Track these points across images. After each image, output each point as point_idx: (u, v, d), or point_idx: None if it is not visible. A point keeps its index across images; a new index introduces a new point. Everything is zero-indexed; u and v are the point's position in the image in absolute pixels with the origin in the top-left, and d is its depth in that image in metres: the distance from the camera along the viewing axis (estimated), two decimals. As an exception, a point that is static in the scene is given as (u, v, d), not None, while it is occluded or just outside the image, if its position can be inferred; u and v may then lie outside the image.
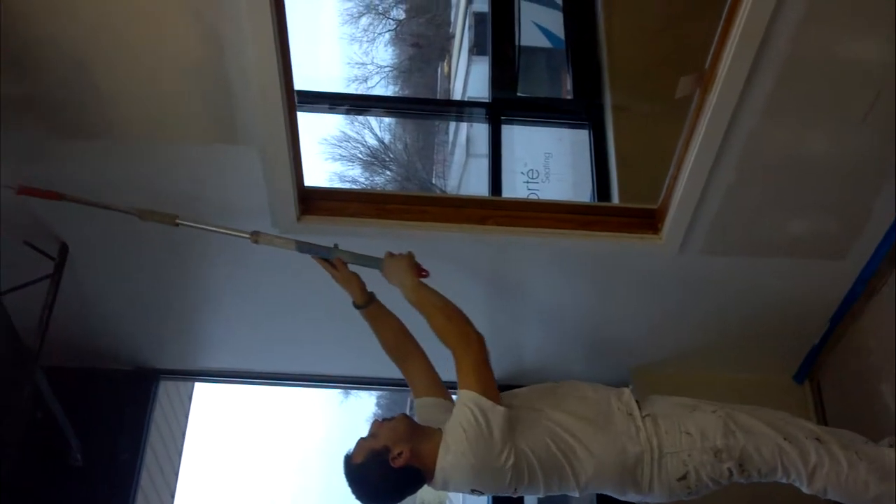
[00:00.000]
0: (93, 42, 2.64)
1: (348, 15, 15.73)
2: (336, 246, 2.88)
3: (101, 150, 2.94)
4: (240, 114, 2.82)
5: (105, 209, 2.84)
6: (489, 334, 2.64)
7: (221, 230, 2.90)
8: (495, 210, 3.31)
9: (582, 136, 4.68)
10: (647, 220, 3.28)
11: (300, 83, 2.90)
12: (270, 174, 3.00)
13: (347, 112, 7.70)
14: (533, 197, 6.66)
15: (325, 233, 3.07)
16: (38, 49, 2.63)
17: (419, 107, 7.59)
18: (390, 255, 2.83)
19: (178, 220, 2.85)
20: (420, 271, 2.80)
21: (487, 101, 4.92)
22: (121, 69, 2.72)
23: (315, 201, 3.20)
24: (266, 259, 3.08)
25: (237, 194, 3.07)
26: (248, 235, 2.88)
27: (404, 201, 3.32)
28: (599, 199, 4.17)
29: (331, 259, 2.88)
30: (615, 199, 4.09)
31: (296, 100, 2.89)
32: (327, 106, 5.17)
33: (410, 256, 2.82)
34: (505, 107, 4.63)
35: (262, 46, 2.61)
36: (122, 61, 2.70)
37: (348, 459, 2.56)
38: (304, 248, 2.88)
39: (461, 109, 9.60)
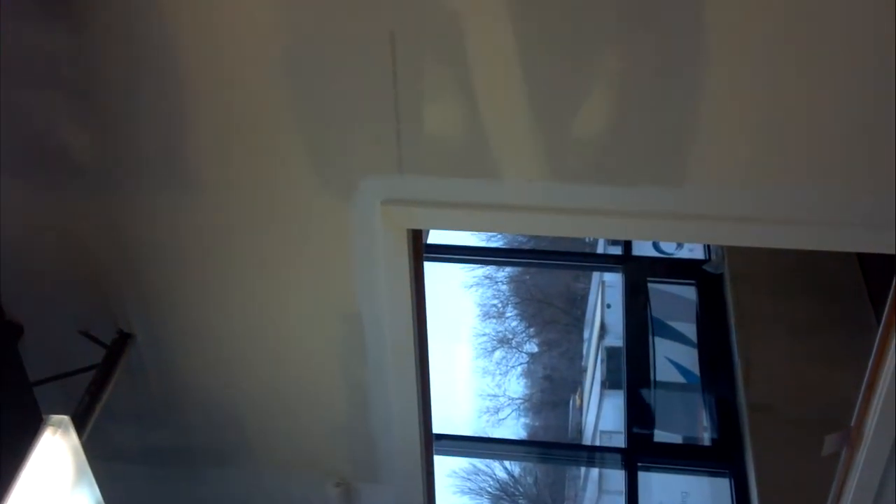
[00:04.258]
0: (241, 389, 2.79)
1: (482, 349, 16.16)
2: None
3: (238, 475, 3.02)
4: (378, 455, 2.89)
5: None
6: None
7: None
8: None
9: (722, 482, 4.52)
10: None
11: (435, 423, 2.95)
12: (405, 517, 2.99)
13: (483, 457, 7.70)
14: (671, 542, 6.37)
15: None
16: (185, 396, 2.79)
17: (552, 451, 7.50)
18: None
19: None
20: None
21: (622, 446, 4.84)
22: (269, 419, 2.84)
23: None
24: None
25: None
26: None
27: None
28: (744, 553, 3.94)
29: None
30: (761, 556, 3.85)
31: (433, 445, 2.93)
32: (461, 449, 5.20)
33: None
34: (641, 452, 4.54)
35: (405, 398, 2.71)
36: (272, 411, 2.83)
37: None
38: None
39: (594, 454, 9.45)
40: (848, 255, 4.68)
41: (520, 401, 16.29)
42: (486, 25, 2.00)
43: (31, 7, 2.07)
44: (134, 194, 2.37)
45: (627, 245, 6.12)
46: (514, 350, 16.49)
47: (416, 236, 2.43)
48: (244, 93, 2.15)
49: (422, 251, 2.50)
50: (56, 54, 2.14)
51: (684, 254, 7.39)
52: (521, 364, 16.50)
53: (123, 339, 2.61)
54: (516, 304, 16.79)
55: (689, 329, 5.79)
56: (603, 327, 13.84)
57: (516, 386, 16.45)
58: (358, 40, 2.04)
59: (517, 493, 14.64)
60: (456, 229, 2.45)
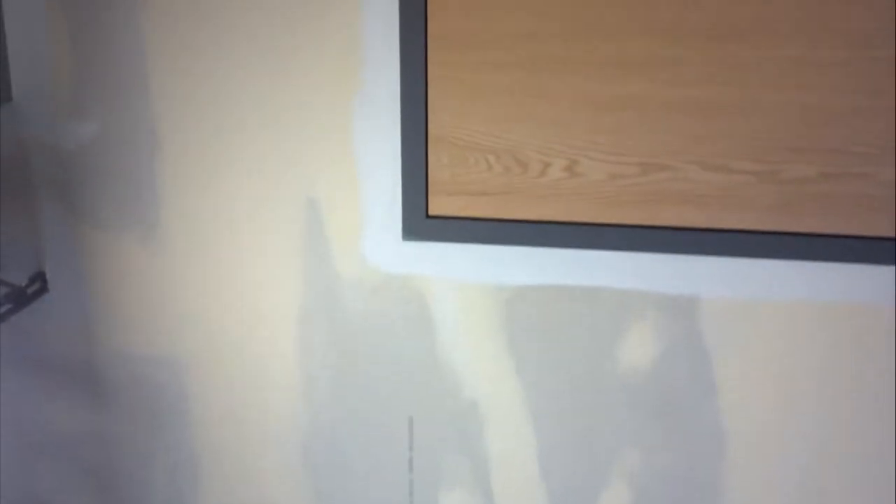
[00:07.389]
0: None
1: None
2: None
3: None
4: None
5: None
6: None
7: None
8: None
9: None
10: None
11: None
12: None
13: None
14: None
15: None
16: None
17: None
18: None
19: None
20: None
21: None
22: None
23: None
24: None
25: None
26: None
27: None
28: None
29: None
30: None
31: None
32: None
33: None
34: None
35: None
36: None
37: None
38: None
39: None
40: None
41: None
42: (503, 417, 2.01)
43: (54, 387, 2.14)
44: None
45: None
46: None
47: None
48: (259, 474, 2.15)
49: None
50: (74, 431, 2.18)
51: None
52: None
53: None
54: None
55: None
56: None
57: None
58: (377, 425, 2.05)
59: None
60: None
